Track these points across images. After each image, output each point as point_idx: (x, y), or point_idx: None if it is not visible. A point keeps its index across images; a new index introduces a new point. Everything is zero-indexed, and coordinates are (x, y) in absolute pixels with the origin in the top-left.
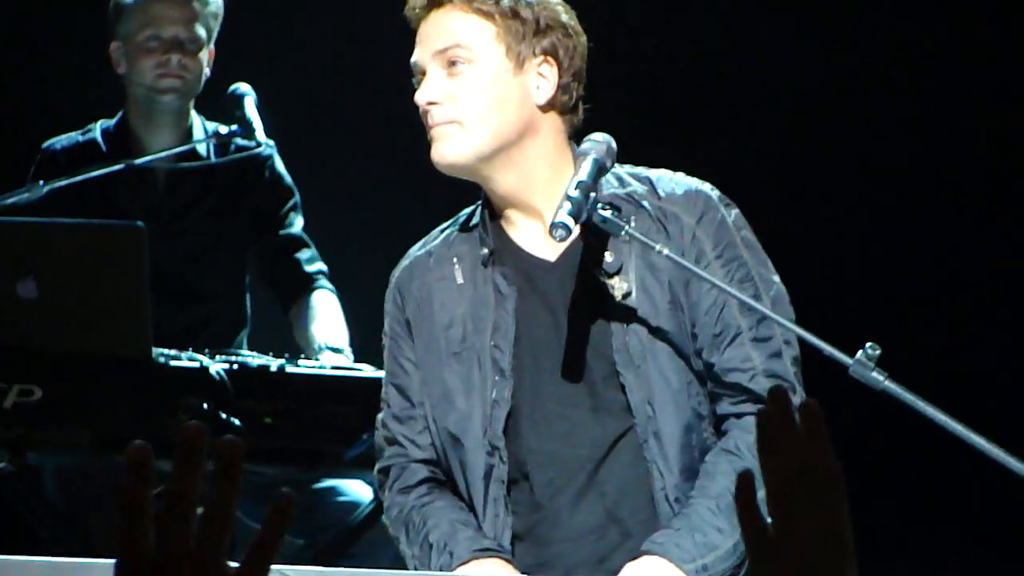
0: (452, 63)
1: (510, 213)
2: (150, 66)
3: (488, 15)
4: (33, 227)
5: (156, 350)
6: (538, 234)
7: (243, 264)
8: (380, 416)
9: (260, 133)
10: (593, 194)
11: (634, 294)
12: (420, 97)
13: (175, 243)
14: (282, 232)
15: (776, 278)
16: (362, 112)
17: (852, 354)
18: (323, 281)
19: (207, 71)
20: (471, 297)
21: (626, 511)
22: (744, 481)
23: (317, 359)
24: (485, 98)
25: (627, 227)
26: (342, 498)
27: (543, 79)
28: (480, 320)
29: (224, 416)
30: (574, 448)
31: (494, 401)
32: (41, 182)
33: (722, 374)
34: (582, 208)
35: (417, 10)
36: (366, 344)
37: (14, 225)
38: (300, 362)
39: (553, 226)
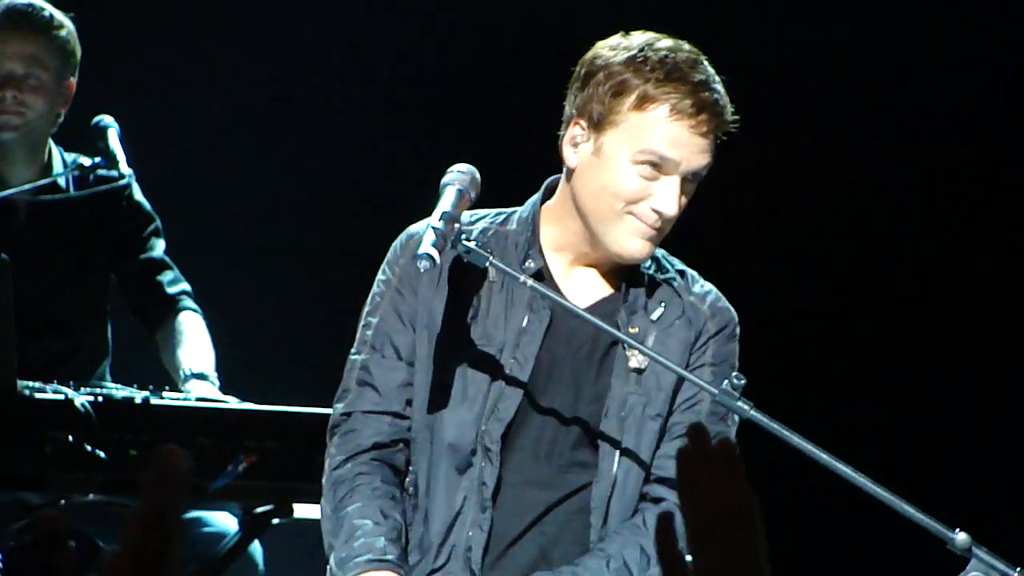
0: (690, 184)
1: (571, 253)
2: None
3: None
4: None
5: (20, 383)
6: (581, 277)
7: (104, 294)
8: (359, 358)
9: (123, 164)
10: (457, 224)
11: (646, 371)
12: (669, 207)
13: (37, 275)
14: (142, 256)
15: None
16: (236, 138)
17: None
18: (187, 301)
19: (58, 107)
20: (503, 300)
21: (558, 555)
22: (664, 522)
23: (183, 388)
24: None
25: (491, 259)
26: (207, 529)
27: None
28: (508, 325)
29: (89, 449)
30: (538, 487)
31: (496, 407)
32: None
33: (660, 459)
34: (446, 238)
35: (698, 114)
36: (241, 371)
37: None
38: (165, 394)
39: (416, 256)
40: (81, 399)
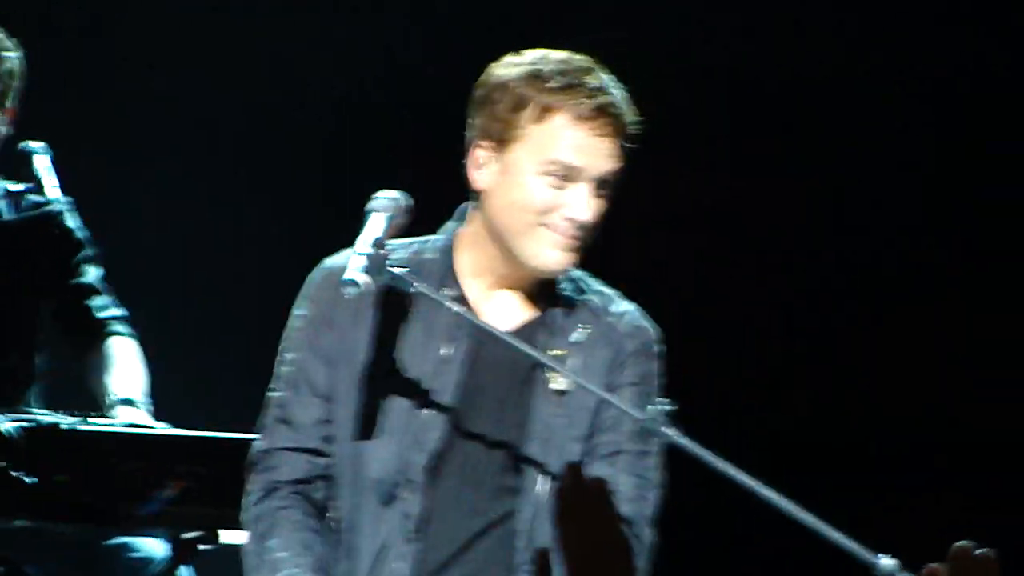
0: (602, 190)
1: (490, 277)
2: None
3: (626, 154)
4: None
5: None
6: (499, 302)
7: (32, 321)
8: (276, 395)
9: (51, 189)
10: (383, 251)
11: (568, 393)
12: (581, 214)
13: None
14: (72, 282)
15: None
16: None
17: None
18: (118, 326)
19: (3, 130)
20: (421, 328)
21: None
22: (541, 558)
23: (109, 413)
24: (598, 223)
25: (415, 285)
26: (135, 554)
27: None
28: (428, 354)
29: (16, 474)
30: (465, 515)
31: (419, 438)
32: None
33: None
34: (373, 265)
35: (597, 118)
36: (173, 397)
37: None
38: (91, 419)
39: (342, 282)
40: (7, 424)
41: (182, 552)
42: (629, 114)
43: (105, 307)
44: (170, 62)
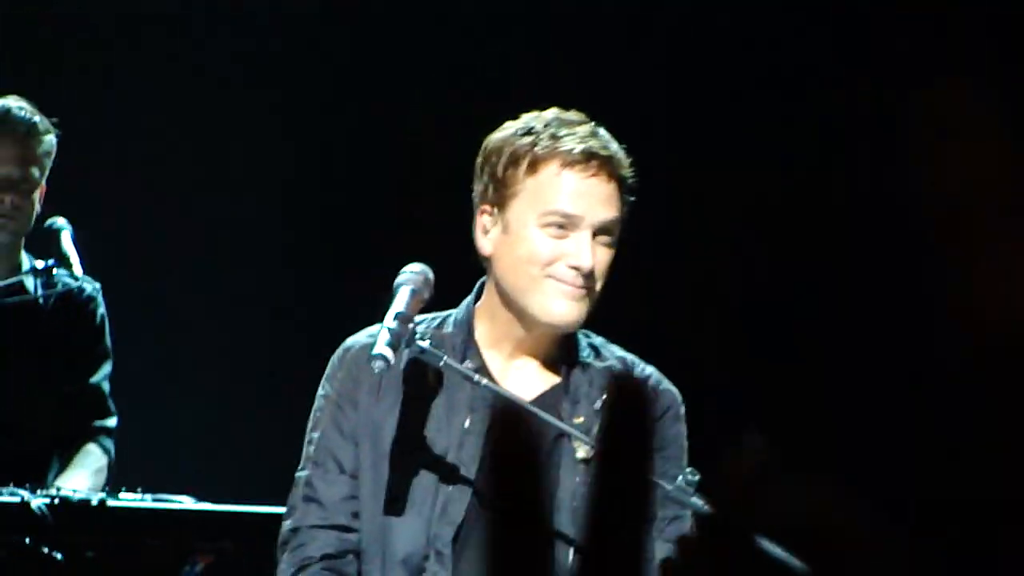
0: (604, 238)
1: (508, 346)
2: None
3: (628, 202)
4: None
5: None
6: (520, 372)
7: (56, 402)
8: (303, 474)
9: (77, 267)
10: (411, 325)
11: (592, 462)
12: (584, 260)
13: (2, 377)
14: (85, 378)
15: None
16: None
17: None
18: (101, 436)
19: (38, 208)
20: (443, 402)
21: None
22: None
23: None
24: (610, 271)
25: (445, 359)
26: None
27: None
28: (451, 427)
29: (46, 551)
30: None
31: (445, 510)
32: None
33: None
34: (400, 339)
35: (588, 160)
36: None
37: None
38: (121, 495)
39: (372, 356)
40: (37, 501)
41: None
42: (621, 158)
43: (100, 414)
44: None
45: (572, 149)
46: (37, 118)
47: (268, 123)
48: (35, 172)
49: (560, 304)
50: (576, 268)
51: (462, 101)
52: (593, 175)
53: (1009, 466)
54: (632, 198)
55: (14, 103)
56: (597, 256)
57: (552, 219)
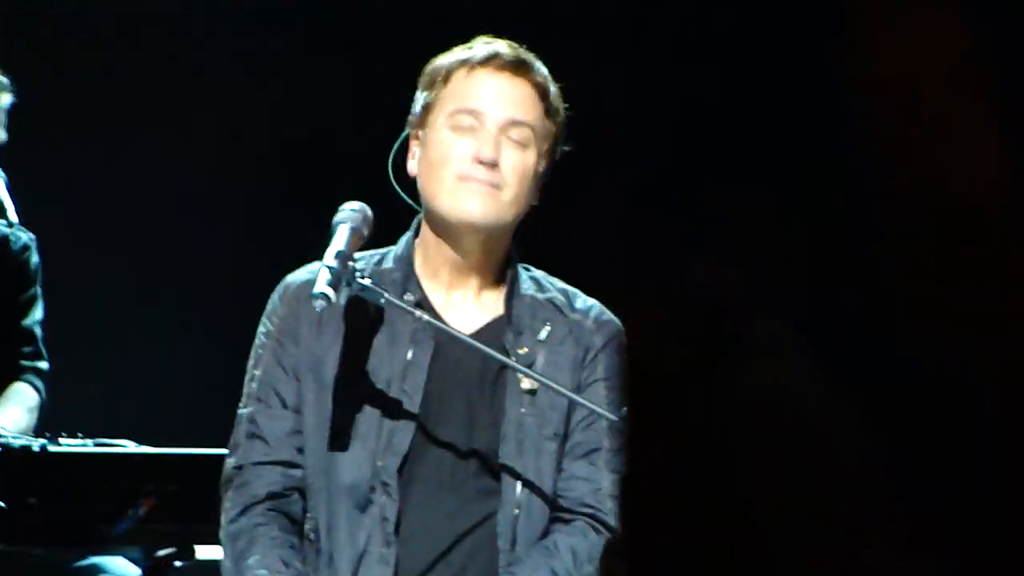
0: (516, 137)
1: (446, 275)
2: None
3: (550, 113)
4: None
5: None
6: (461, 303)
7: None
8: (246, 411)
9: (11, 213)
10: (351, 263)
11: (538, 391)
12: (485, 152)
13: None
14: (15, 322)
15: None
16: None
17: None
18: (31, 376)
19: None
20: (385, 335)
21: None
22: None
23: None
24: (527, 179)
25: (386, 295)
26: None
27: (541, 183)
28: (393, 359)
29: None
30: (444, 518)
31: (390, 442)
32: None
33: (568, 480)
34: (341, 277)
35: (491, 60)
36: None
37: None
38: (62, 440)
39: (312, 296)
40: None
41: (156, 570)
42: (538, 69)
43: (31, 356)
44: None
45: (479, 53)
46: None
47: (266, 121)
48: None
49: (468, 201)
50: (480, 160)
51: None
52: (500, 74)
53: None
54: (561, 115)
55: None
56: (508, 155)
57: (458, 118)
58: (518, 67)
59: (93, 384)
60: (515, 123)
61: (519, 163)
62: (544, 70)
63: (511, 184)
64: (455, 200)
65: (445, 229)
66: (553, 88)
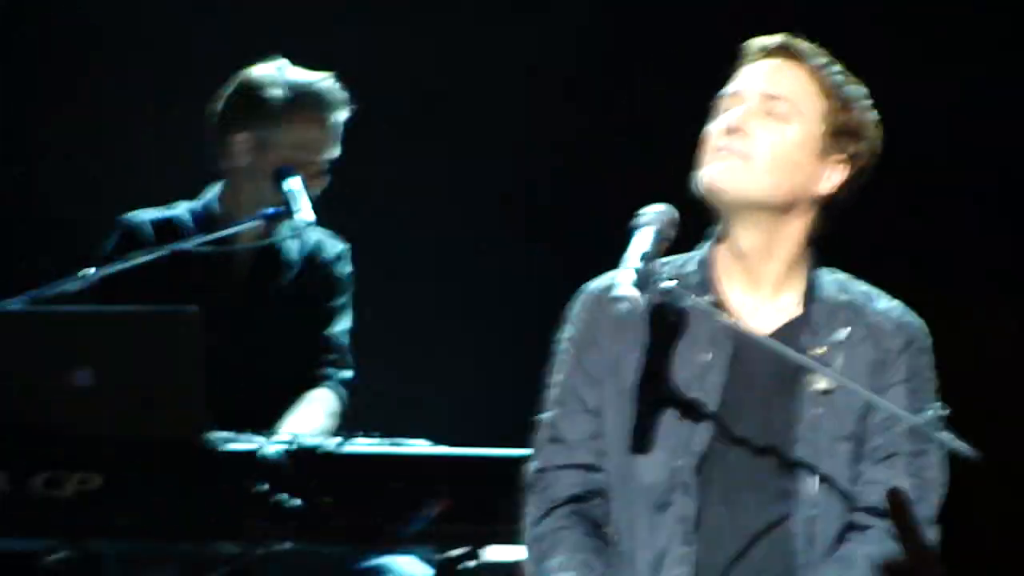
0: (769, 109)
1: (741, 274)
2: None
3: (826, 93)
4: (89, 315)
5: (212, 434)
6: (758, 304)
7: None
8: (547, 416)
9: (307, 212)
10: (652, 266)
11: (832, 394)
12: (730, 119)
13: (249, 329)
14: (323, 330)
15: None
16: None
17: None
18: (332, 383)
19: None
20: (684, 338)
21: None
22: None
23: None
24: (786, 152)
25: (690, 297)
26: None
27: (834, 175)
28: (692, 362)
29: (283, 497)
30: (741, 517)
31: (688, 443)
32: (94, 270)
33: (865, 484)
34: (647, 279)
35: (755, 54)
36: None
37: (70, 314)
38: (356, 440)
39: (613, 298)
40: (274, 448)
41: (444, 571)
42: (807, 51)
43: (336, 364)
44: None
45: (748, 47)
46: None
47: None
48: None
49: (714, 168)
50: (728, 131)
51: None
52: (760, 59)
53: None
54: (852, 103)
55: None
56: (761, 126)
57: (721, 103)
58: (779, 50)
59: (397, 385)
60: (771, 97)
61: (774, 134)
62: (820, 54)
63: (762, 154)
64: (704, 170)
65: (723, 218)
66: (833, 72)
